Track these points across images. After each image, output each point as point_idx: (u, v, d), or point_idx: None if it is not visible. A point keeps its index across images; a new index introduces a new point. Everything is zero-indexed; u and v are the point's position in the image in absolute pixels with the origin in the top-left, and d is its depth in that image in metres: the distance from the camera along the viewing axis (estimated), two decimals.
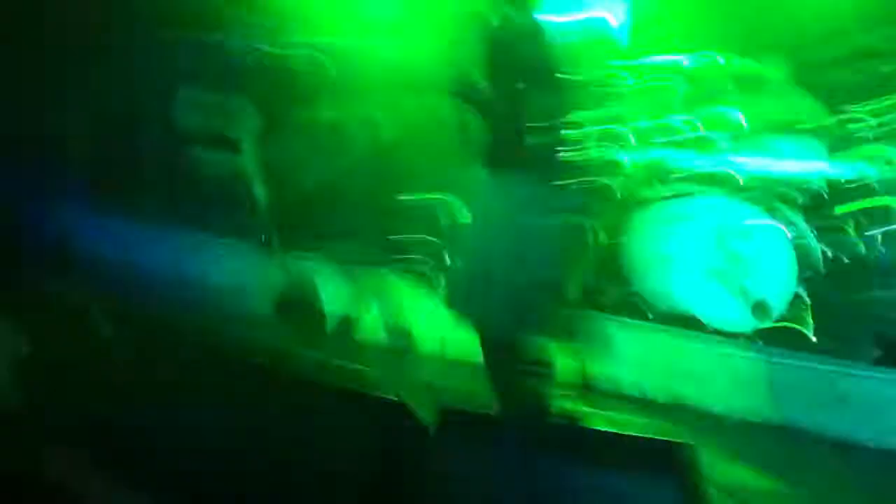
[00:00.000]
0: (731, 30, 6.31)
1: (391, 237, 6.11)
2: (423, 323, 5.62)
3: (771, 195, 5.46)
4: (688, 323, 5.19)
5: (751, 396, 4.82)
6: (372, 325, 5.69)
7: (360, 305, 5.74)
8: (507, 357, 3.96)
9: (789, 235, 5.11)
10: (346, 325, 5.73)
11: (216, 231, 6.28)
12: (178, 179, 6.26)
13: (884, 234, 5.09)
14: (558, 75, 3.94)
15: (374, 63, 5.74)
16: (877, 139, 5.16)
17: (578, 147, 4.07)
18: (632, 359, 5.01)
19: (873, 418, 4.49)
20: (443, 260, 5.34)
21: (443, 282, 5.15)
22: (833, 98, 5.94)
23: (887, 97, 5.19)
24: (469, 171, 4.17)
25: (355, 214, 6.25)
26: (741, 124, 5.40)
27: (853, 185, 5.31)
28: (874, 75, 5.15)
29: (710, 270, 5.21)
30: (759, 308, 5.04)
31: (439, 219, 5.39)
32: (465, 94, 3.95)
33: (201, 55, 6.01)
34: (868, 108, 5.24)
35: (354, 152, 6.56)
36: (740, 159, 5.39)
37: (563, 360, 4.27)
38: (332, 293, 5.79)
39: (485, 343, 3.97)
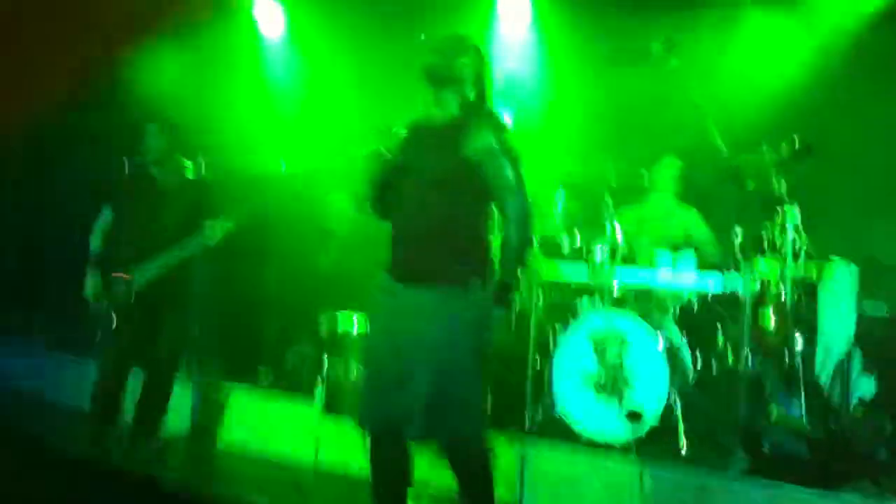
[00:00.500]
0: (616, 139, 6.60)
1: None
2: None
3: (646, 305, 5.68)
4: (564, 431, 5.33)
5: None
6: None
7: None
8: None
9: (663, 345, 5.30)
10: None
11: None
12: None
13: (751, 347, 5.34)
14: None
15: None
16: (745, 253, 5.42)
17: None
18: (506, 467, 5.08)
19: None
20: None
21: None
22: (706, 212, 6.25)
23: (752, 215, 5.50)
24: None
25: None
26: (618, 236, 5.62)
27: (724, 297, 5.57)
28: (742, 194, 5.45)
29: (585, 379, 5.36)
30: (633, 417, 5.18)
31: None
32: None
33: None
34: (738, 224, 5.52)
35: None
36: (618, 270, 5.62)
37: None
38: None
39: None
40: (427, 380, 3.88)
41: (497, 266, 4.04)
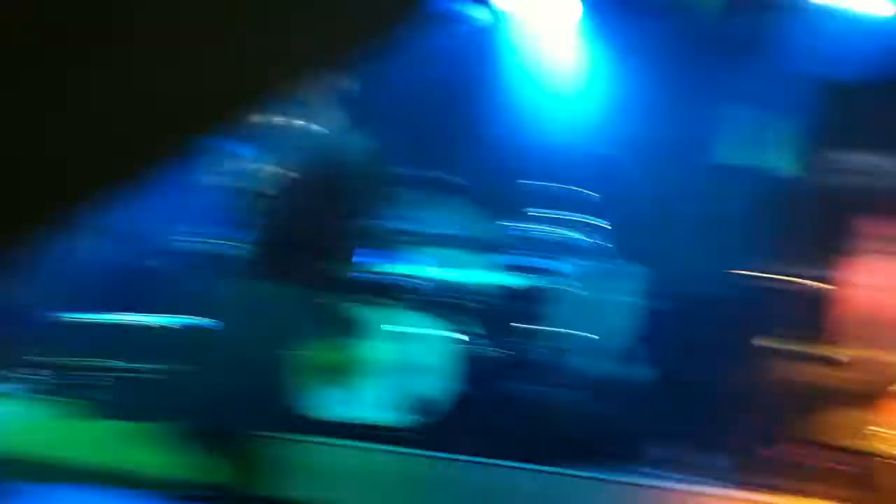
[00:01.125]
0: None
1: None
2: None
3: (434, 301, 5.87)
4: (348, 426, 5.45)
5: (409, 497, 5.09)
6: None
7: None
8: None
9: (452, 339, 5.45)
10: None
11: None
12: None
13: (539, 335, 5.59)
14: None
15: None
16: (529, 249, 5.71)
17: None
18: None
19: None
20: None
21: None
22: (491, 210, 6.48)
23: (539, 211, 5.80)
24: None
25: None
26: (409, 234, 5.83)
27: (514, 291, 5.81)
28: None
29: (373, 375, 5.49)
30: (420, 409, 5.38)
31: None
32: None
33: None
34: (522, 220, 5.80)
35: None
36: (406, 266, 5.76)
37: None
38: None
39: None
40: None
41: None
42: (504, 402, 5.31)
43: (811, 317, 4.39)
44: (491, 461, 4.97)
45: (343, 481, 4.92)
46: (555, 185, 5.97)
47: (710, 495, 4.50)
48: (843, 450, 2.94)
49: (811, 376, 4.39)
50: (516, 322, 5.66)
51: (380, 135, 4.38)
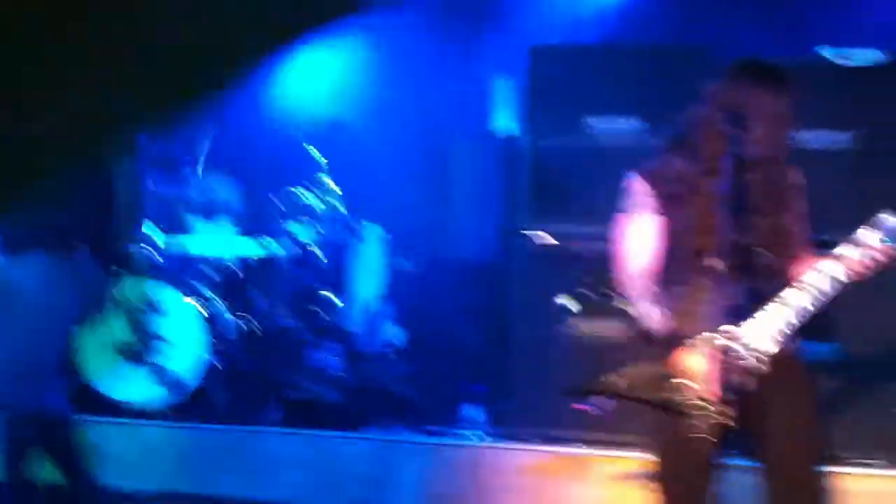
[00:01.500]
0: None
1: None
2: None
3: (186, 273, 5.56)
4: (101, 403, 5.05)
5: (164, 469, 4.78)
6: None
7: None
8: None
9: (203, 311, 5.19)
10: None
11: None
12: None
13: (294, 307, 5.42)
14: None
15: None
16: (284, 219, 5.54)
17: None
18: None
19: (277, 476, 4.67)
20: None
21: None
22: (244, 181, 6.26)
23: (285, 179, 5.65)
24: None
25: None
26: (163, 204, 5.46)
27: (263, 262, 5.61)
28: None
29: (123, 350, 5.13)
30: (172, 384, 5.05)
31: None
32: None
33: None
34: (277, 192, 5.62)
35: None
36: (155, 238, 5.44)
37: None
38: None
39: None
40: None
41: None
42: (263, 370, 5.11)
43: (582, 274, 4.55)
44: (256, 429, 4.78)
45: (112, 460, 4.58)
46: (300, 153, 5.81)
47: (504, 450, 4.57)
48: (640, 401, 3.03)
49: (595, 331, 4.57)
50: (270, 290, 5.45)
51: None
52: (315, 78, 6.52)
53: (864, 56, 4.48)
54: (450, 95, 6.21)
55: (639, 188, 3.15)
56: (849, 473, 4.16)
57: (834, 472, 3.06)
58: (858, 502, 4.15)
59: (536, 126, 4.75)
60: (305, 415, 4.90)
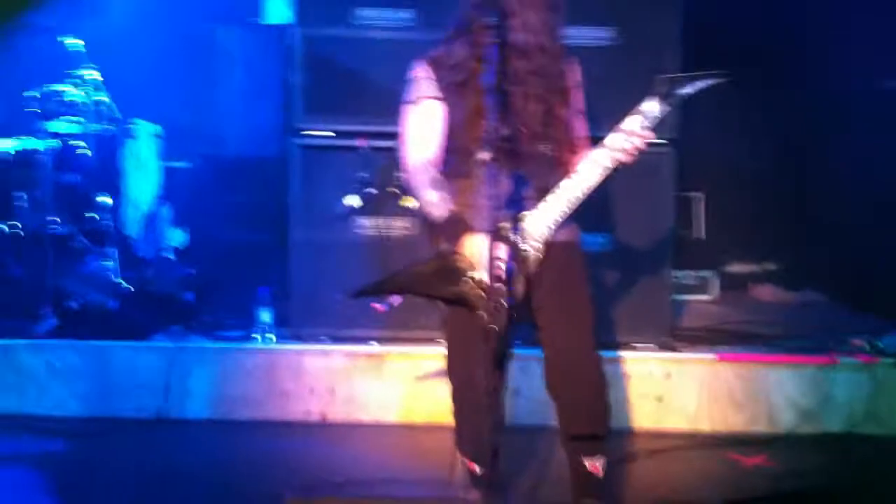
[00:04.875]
0: None
1: None
2: None
3: None
4: None
5: None
6: None
7: None
8: None
9: None
10: None
11: None
12: None
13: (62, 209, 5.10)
14: None
15: None
16: (45, 119, 5.16)
17: None
18: None
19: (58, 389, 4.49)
20: None
21: None
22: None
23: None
24: None
25: None
26: None
27: (23, 159, 5.22)
28: None
29: None
30: None
31: None
32: None
33: None
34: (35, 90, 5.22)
35: None
36: None
37: None
38: None
39: None
40: None
41: None
42: (32, 276, 4.81)
43: (362, 170, 4.53)
44: (30, 341, 4.53)
45: None
46: (57, 45, 5.40)
47: (294, 352, 4.55)
48: (425, 296, 3.11)
49: (379, 227, 4.58)
50: (33, 191, 5.07)
51: None
52: None
53: None
54: None
55: (423, 75, 3.13)
56: (620, 357, 4.53)
57: (607, 355, 3.25)
58: (630, 383, 4.52)
59: (306, 15, 4.61)
60: (83, 324, 4.67)
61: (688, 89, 2.98)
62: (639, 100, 3.01)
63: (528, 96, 3.05)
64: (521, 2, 3.01)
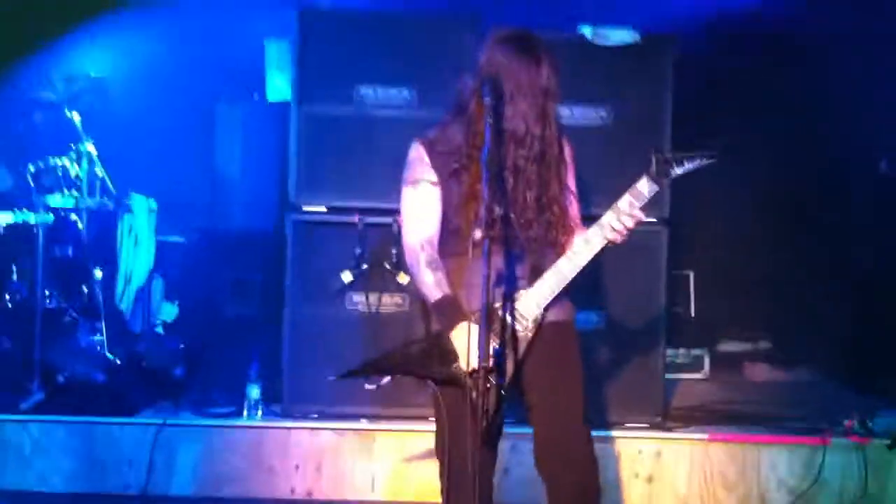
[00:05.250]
0: None
1: None
2: None
3: None
4: None
5: None
6: None
7: None
8: None
9: None
10: None
11: None
12: None
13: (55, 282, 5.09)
14: None
15: None
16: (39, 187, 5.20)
17: None
18: None
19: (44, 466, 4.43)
20: None
21: None
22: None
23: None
24: None
25: None
26: None
27: (17, 231, 5.22)
28: None
29: None
30: None
31: None
32: None
33: None
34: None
35: None
36: None
37: None
38: None
39: None
40: None
41: None
42: (21, 350, 4.79)
43: (357, 246, 4.53)
44: (16, 417, 4.48)
45: None
46: (59, 118, 5.45)
47: (283, 429, 4.51)
48: (416, 376, 3.10)
49: (372, 305, 4.56)
50: (26, 264, 5.08)
51: None
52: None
53: (619, 36, 4.68)
54: (221, 59, 5.99)
55: (419, 158, 3.16)
56: (610, 436, 4.49)
57: (598, 434, 3.22)
58: (620, 462, 4.48)
59: (306, 93, 4.66)
60: (70, 399, 4.63)
61: (679, 170, 3.02)
62: (632, 179, 3.05)
63: (523, 182, 3.08)
64: (517, 89, 3.03)
